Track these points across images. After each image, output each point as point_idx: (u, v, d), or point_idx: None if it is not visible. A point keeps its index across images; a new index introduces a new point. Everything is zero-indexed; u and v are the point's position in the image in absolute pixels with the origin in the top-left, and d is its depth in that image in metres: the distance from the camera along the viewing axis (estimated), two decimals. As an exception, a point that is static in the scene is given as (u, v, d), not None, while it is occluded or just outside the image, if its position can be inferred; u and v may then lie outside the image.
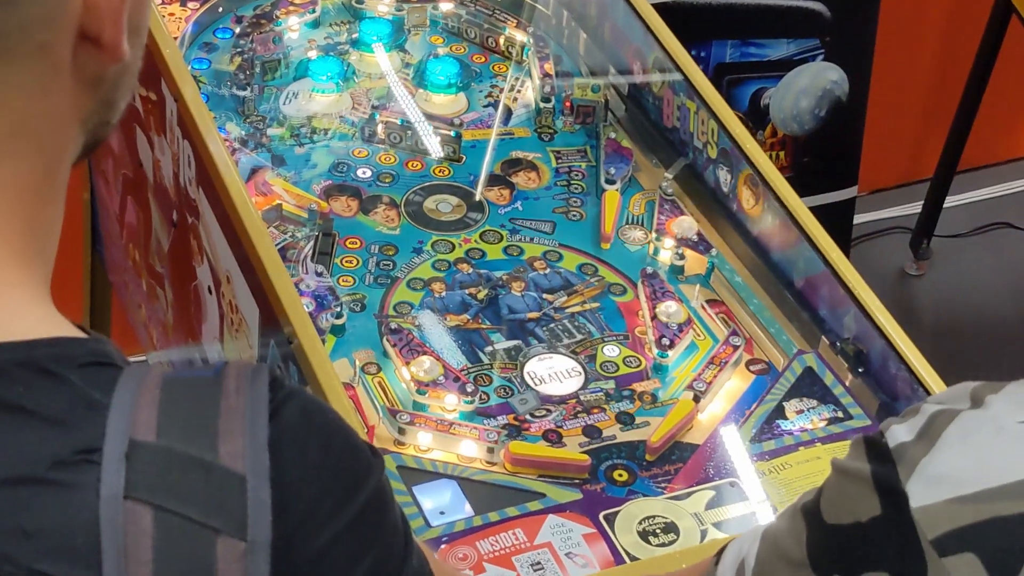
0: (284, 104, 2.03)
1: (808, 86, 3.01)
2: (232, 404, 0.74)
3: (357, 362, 1.69)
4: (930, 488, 0.94)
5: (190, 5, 2.11)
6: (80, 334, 0.77)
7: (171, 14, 2.09)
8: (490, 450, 1.60)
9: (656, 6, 2.44)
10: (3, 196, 0.76)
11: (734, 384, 1.70)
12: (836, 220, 3.06)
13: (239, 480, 0.73)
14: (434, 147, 2.00)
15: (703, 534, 1.51)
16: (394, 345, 1.70)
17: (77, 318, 2.58)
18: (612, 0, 2.06)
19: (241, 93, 2.02)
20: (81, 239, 2.51)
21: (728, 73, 2.99)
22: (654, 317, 1.76)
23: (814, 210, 1.80)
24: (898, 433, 0.96)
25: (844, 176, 3.17)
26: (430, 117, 2.04)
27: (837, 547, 0.98)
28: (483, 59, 2.16)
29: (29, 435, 0.72)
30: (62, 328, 0.77)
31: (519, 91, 2.10)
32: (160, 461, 0.73)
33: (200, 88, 2.01)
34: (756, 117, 3.03)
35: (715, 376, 1.69)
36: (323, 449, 0.76)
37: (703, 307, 1.81)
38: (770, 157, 3.09)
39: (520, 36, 2.16)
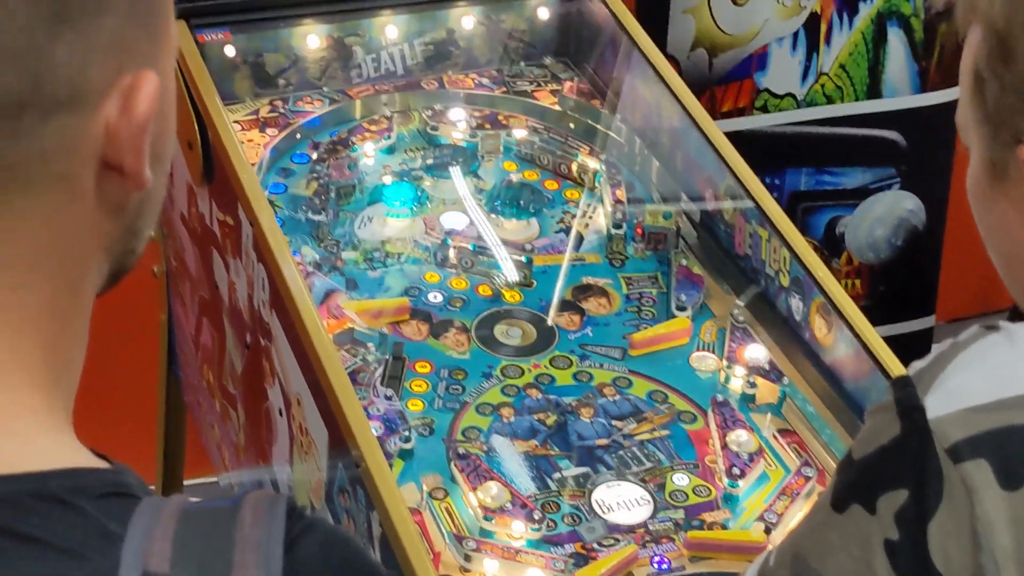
0: (359, 228, 2.06)
1: (884, 215, 3.01)
2: (247, 535, 0.74)
3: (424, 487, 1.69)
4: (946, 399, 0.98)
5: (268, 131, 2.15)
6: (99, 464, 0.77)
7: (250, 140, 2.13)
8: (557, 579, 1.58)
9: (730, 134, 2.46)
10: (24, 324, 0.77)
11: (805, 515, 1.68)
12: (914, 350, 3.03)
13: None
14: (505, 272, 2.01)
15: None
16: (462, 470, 1.70)
17: (152, 437, 2.61)
18: (685, 128, 2.08)
19: (316, 217, 2.04)
20: (157, 359, 2.53)
21: (803, 201, 2.99)
22: (724, 446, 1.74)
23: (891, 339, 1.78)
24: (918, 363, 1.01)
25: (921, 305, 3.15)
26: (502, 242, 2.05)
27: (859, 477, 1.01)
28: (555, 185, 2.17)
29: (44, 567, 0.71)
30: (80, 457, 0.77)
31: (591, 217, 2.11)
32: None
33: (276, 212, 2.04)
34: (831, 245, 3.03)
35: (787, 507, 1.67)
36: None
37: (775, 437, 1.79)
38: (846, 286, 3.09)
39: (593, 163, 2.18)
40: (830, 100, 2.91)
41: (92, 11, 0.74)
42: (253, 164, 2.06)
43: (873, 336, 1.74)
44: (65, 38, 0.73)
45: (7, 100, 0.72)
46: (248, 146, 2.11)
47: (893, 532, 0.98)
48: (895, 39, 2.89)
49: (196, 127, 1.98)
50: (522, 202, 2.13)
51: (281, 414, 1.86)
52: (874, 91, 2.93)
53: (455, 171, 2.16)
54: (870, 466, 1.00)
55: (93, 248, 0.79)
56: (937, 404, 0.97)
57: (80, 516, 0.73)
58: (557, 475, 1.72)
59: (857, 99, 2.92)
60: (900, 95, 2.93)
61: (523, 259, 2.02)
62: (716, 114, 2.82)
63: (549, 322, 1.94)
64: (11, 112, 0.73)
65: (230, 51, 2.16)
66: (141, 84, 0.76)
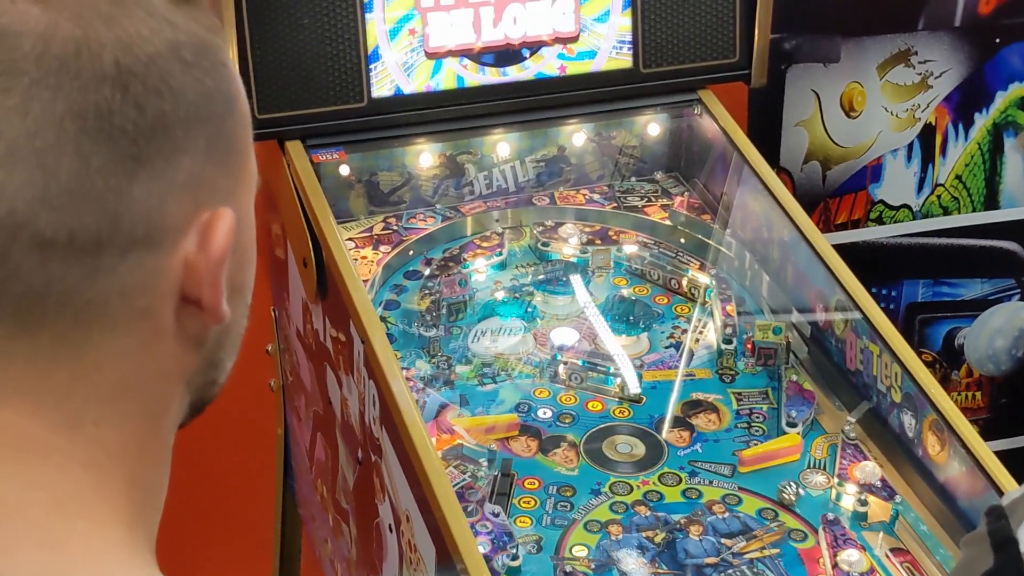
0: (472, 343, 2.08)
1: (1004, 326, 2.97)
2: None
3: (532, 605, 1.69)
4: None
5: (382, 248, 2.19)
6: None
7: (363, 257, 2.17)
8: None
9: (845, 246, 2.46)
10: (107, 458, 0.78)
11: (919, 637, 1.65)
12: (1037, 463, 2.97)
13: None
14: (617, 389, 2.01)
15: None
16: (569, 588, 1.69)
17: (268, 550, 2.64)
18: (794, 242, 2.08)
19: (428, 333, 2.07)
20: (275, 473, 2.56)
21: (920, 312, 2.96)
22: (835, 565, 1.72)
23: (1014, 453, 1.76)
24: (1013, 493, 1.00)
25: (1045, 418, 3.09)
26: (611, 357, 2.05)
27: None
28: (666, 300, 2.18)
29: None
30: None
31: (701, 332, 2.11)
32: None
33: (389, 327, 2.08)
34: (951, 357, 2.99)
35: (899, 628, 1.64)
36: None
37: (887, 556, 1.76)
38: (965, 398, 3.04)
39: (703, 278, 2.18)
40: (946, 211, 2.89)
41: (169, 152, 0.76)
42: (366, 280, 2.10)
43: (987, 453, 1.71)
44: (142, 179, 0.75)
45: (85, 238, 0.74)
46: (361, 263, 2.15)
47: None
48: (1011, 150, 2.87)
49: (310, 245, 2.02)
50: (632, 317, 2.14)
51: (391, 530, 1.87)
52: (991, 202, 2.90)
53: (567, 286, 2.17)
54: None
55: (174, 381, 0.81)
56: None
57: None
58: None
59: (974, 210, 2.90)
60: (1018, 205, 2.90)
61: (633, 375, 2.02)
62: (831, 226, 2.82)
63: (659, 438, 1.94)
64: (89, 250, 0.75)
65: (344, 170, 2.20)
66: (218, 220, 0.78)
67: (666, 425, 1.96)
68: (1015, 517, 0.98)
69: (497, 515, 1.78)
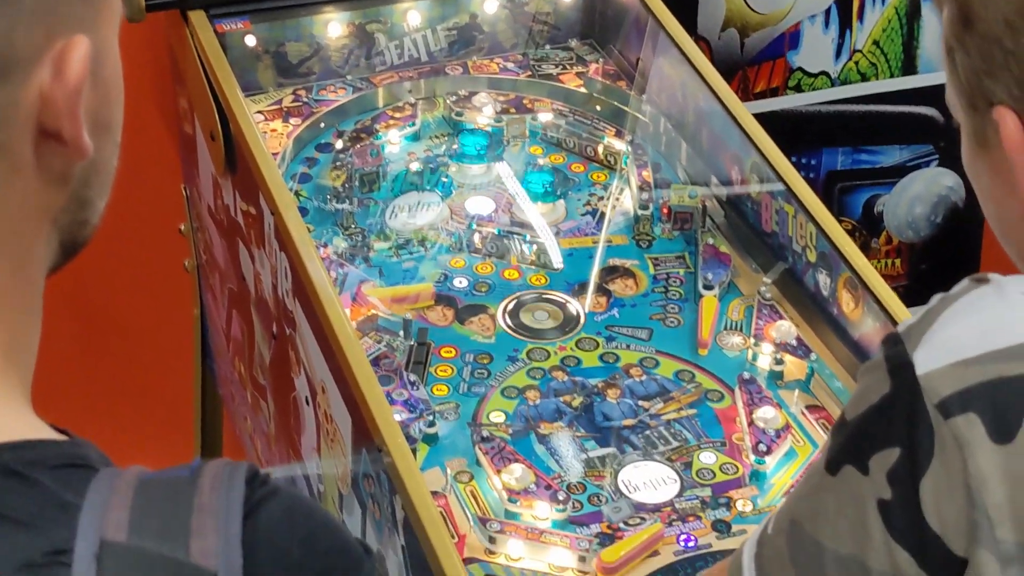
0: (389, 219, 2.05)
1: (923, 192, 2.97)
2: (206, 502, 0.73)
3: (449, 470, 1.68)
4: (935, 354, 0.96)
5: (292, 121, 2.15)
6: (57, 436, 0.76)
7: (273, 130, 2.13)
8: (582, 559, 1.57)
9: (764, 115, 2.44)
10: None
11: (834, 491, 1.66)
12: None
13: None
14: (533, 257, 2.00)
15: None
16: (486, 453, 1.69)
17: (189, 431, 2.62)
18: (710, 107, 2.06)
19: (341, 206, 2.04)
20: (192, 354, 2.54)
21: (840, 180, 2.96)
22: (751, 423, 1.72)
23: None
24: (909, 320, 0.99)
25: (963, 283, 3.11)
26: (527, 226, 2.04)
27: (851, 438, 1.00)
28: (582, 168, 2.16)
29: None
30: (37, 431, 0.76)
31: (618, 199, 2.09)
32: (130, 561, 0.72)
33: (301, 201, 2.04)
34: (870, 224, 3.00)
35: (815, 483, 1.65)
36: (306, 548, 0.75)
37: (803, 413, 1.77)
38: (885, 265, 3.06)
39: (619, 145, 2.16)
40: (864, 77, 2.88)
41: None
42: (276, 153, 2.06)
43: (899, 307, 1.71)
44: None
45: None
46: (271, 136, 2.11)
47: (886, 491, 0.96)
48: (929, 13, 2.85)
49: (217, 118, 1.98)
50: (548, 185, 2.12)
51: (308, 403, 1.85)
52: (909, 67, 2.89)
53: (482, 155, 2.15)
54: (861, 426, 0.98)
55: (38, 220, 0.78)
56: (926, 359, 0.95)
57: (36, 488, 0.72)
58: (583, 456, 1.71)
59: (892, 76, 2.89)
60: (936, 70, 2.89)
61: (551, 242, 2.01)
62: (749, 94, 2.80)
63: (576, 304, 1.93)
64: None
65: (251, 41, 2.15)
66: (72, 49, 0.75)
67: (583, 291, 1.95)
68: (911, 342, 0.97)
69: (413, 384, 1.76)
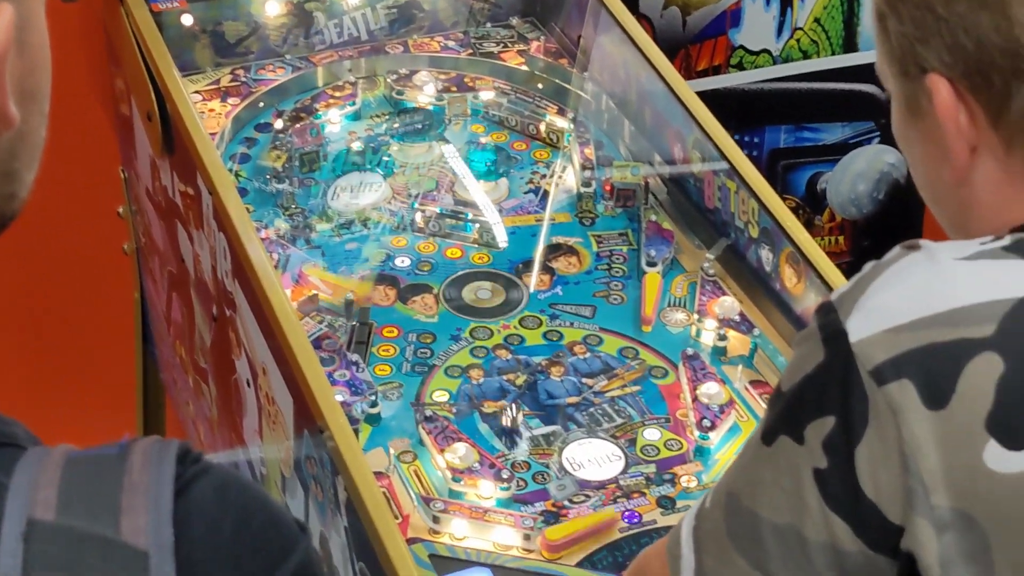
0: (332, 200, 2.03)
1: (865, 169, 2.98)
2: (135, 480, 0.72)
3: (392, 450, 1.67)
4: (868, 320, 0.95)
5: (230, 101, 2.13)
6: None
7: (211, 110, 2.10)
8: (526, 537, 1.56)
9: (706, 93, 2.43)
10: None
11: (779, 466, 1.66)
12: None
13: (141, 556, 0.70)
14: (476, 235, 1.98)
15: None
16: (429, 433, 1.68)
17: (131, 418, 2.59)
18: (651, 83, 2.05)
19: (280, 186, 2.02)
20: (133, 339, 2.51)
21: (783, 158, 2.96)
22: (695, 399, 1.72)
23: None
24: (842, 288, 0.99)
25: (906, 259, 3.12)
26: (470, 205, 2.02)
27: (786, 408, 0.99)
28: (524, 146, 2.14)
29: None
30: None
31: (560, 177, 2.08)
32: (59, 540, 0.70)
33: (241, 182, 2.02)
34: (813, 202, 3.00)
35: (759, 458, 1.64)
36: (239, 525, 0.74)
37: (746, 388, 1.76)
38: (829, 243, 3.06)
39: (562, 123, 2.15)
40: (806, 55, 2.88)
41: None
42: (214, 133, 2.04)
43: (842, 282, 1.71)
44: None
45: None
46: (209, 116, 2.09)
47: (822, 460, 0.95)
48: (869, -10, 2.86)
49: (154, 97, 1.95)
50: (490, 164, 2.10)
51: (249, 385, 1.83)
52: (850, 44, 2.89)
53: (423, 134, 2.13)
54: (796, 396, 0.98)
55: None
56: (859, 325, 0.95)
57: None
58: (527, 434, 1.70)
59: (833, 53, 2.89)
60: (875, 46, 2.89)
61: (491, 220, 2.00)
62: (692, 73, 2.79)
63: (519, 283, 1.92)
64: None
65: (187, 20, 2.13)
66: None
67: (527, 270, 1.94)
68: (843, 309, 0.96)
69: (355, 364, 1.75)
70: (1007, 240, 0.98)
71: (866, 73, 2.90)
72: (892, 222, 3.03)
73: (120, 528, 0.71)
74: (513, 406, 1.71)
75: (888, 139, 2.97)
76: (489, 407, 1.73)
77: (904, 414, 0.92)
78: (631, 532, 1.58)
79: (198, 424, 2.22)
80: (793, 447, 0.97)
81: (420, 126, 2.14)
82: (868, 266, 0.99)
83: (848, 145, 2.96)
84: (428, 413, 1.71)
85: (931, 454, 0.92)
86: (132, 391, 2.57)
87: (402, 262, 1.95)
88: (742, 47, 2.83)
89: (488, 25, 2.32)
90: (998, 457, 0.92)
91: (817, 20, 2.85)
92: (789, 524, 0.97)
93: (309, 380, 1.59)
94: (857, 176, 2.98)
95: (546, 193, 2.05)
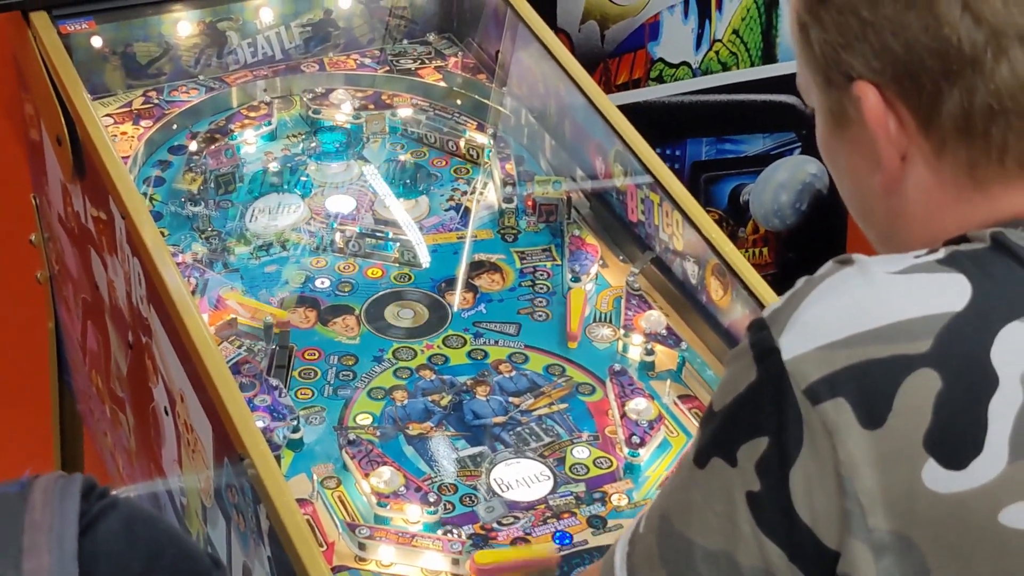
0: (250, 223, 1.98)
1: (787, 180, 2.97)
2: (37, 519, 0.69)
3: (316, 476, 1.63)
4: (801, 337, 0.92)
5: (143, 123, 2.08)
6: None
7: (123, 133, 2.06)
8: (455, 561, 1.53)
9: (627, 106, 2.42)
10: None
11: (710, 481, 1.63)
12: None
13: None
14: (396, 254, 1.95)
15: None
16: (353, 457, 1.64)
17: (48, 450, 2.53)
18: (571, 97, 2.03)
19: (196, 210, 1.97)
20: (48, 369, 2.45)
21: (705, 171, 2.96)
22: (624, 416, 1.69)
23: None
24: (774, 305, 0.96)
25: (830, 270, 3.12)
26: (390, 223, 1.99)
27: (718, 429, 0.96)
28: (444, 163, 2.11)
29: None
30: None
31: (481, 193, 2.05)
32: None
33: (155, 205, 1.98)
34: (736, 214, 2.99)
35: (689, 473, 1.62)
36: (149, 562, 0.71)
37: (675, 403, 1.74)
38: (753, 255, 3.06)
39: (481, 138, 2.12)
40: (725, 67, 2.87)
41: None
42: (126, 157, 1.99)
43: (769, 294, 1.70)
44: None
45: None
46: (121, 139, 2.04)
47: (755, 483, 0.93)
48: (786, 2, 2.86)
49: (63, 121, 1.90)
50: (410, 181, 2.07)
51: (167, 413, 1.79)
52: (769, 56, 2.89)
53: (341, 153, 2.10)
54: (729, 416, 0.95)
55: None
56: (792, 343, 0.92)
57: None
58: (453, 456, 1.66)
59: (752, 65, 2.89)
60: (796, 58, 2.89)
61: (415, 239, 1.96)
62: (611, 86, 2.78)
63: (442, 301, 1.88)
64: None
65: (97, 42, 2.08)
66: None
67: (450, 288, 1.90)
68: (776, 326, 0.94)
69: (276, 388, 1.71)
70: (941, 253, 0.96)
71: (786, 84, 2.90)
72: (816, 233, 3.03)
73: (22, 569, 0.68)
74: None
75: (809, 149, 2.97)
76: (414, 429, 1.70)
77: (840, 434, 0.90)
78: (563, 553, 1.54)
79: (116, 455, 2.16)
80: (726, 469, 0.94)
81: (337, 145, 2.10)
82: (800, 282, 0.96)
83: (770, 156, 2.96)
84: (352, 437, 1.68)
85: (868, 475, 0.90)
86: (48, 422, 2.51)
87: (322, 283, 1.91)
88: (661, 60, 2.82)
89: (405, 42, 2.29)
90: (937, 477, 0.90)
91: (735, 32, 2.85)
92: (722, 550, 0.95)
93: (228, 406, 1.54)
94: (779, 187, 2.97)
95: (467, 210, 2.03)
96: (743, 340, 0.95)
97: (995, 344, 0.91)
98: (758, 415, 0.93)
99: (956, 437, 0.90)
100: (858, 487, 0.90)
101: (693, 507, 0.96)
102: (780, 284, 1.72)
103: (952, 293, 0.93)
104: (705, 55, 2.84)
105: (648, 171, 1.88)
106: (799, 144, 2.97)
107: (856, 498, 0.90)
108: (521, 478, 1.64)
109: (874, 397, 0.90)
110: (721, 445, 0.95)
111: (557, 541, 1.56)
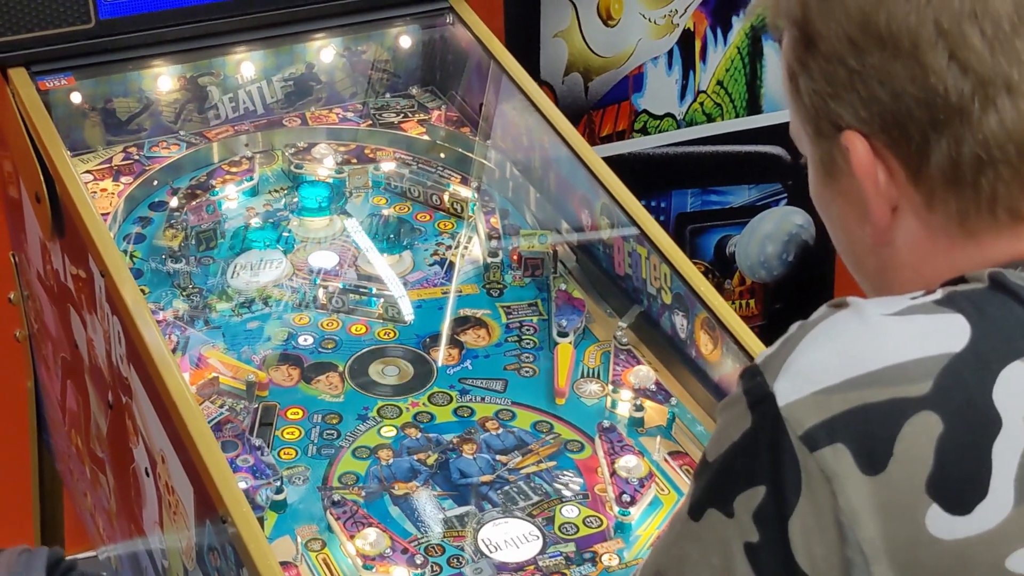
0: (231, 279, 1.96)
1: (773, 231, 2.96)
2: None
3: (300, 538, 1.59)
4: (796, 382, 0.90)
5: (123, 180, 2.05)
6: None
7: (103, 190, 2.03)
8: (443, 625, 1.49)
9: (611, 158, 2.40)
10: None
11: (702, 539, 1.60)
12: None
13: None
14: (380, 310, 1.92)
15: None
16: (338, 519, 1.60)
17: (27, 511, 2.49)
18: (556, 149, 2.01)
19: (177, 266, 1.94)
20: (27, 429, 2.41)
21: (691, 222, 2.94)
22: (613, 473, 1.66)
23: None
24: (766, 351, 0.93)
25: (818, 321, 3.09)
26: (374, 279, 1.96)
27: (713, 480, 0.93)
28: (428, 217, 2.09)
29: None
30: None
31: (466, 247, 2.03)
32: None
33: (136, 263, 1.95)
34: (723, 266, 2.97)
35: (681, 532, 1.59)
36: None
37: (666, 460, 1.71)
38: (740, 307, 3.03)
39: (465, 192, 2.10)
40: (710, 118, 2.86)
41: None
42: (106, 214, 1.96)
43: (759, 347, 1.67)
44: None
45: None
46: (101, 196, 2.02)
47: (753, 534, 0.90)
48: (771, 52, 2.85)
49: (42, 178, 1.88)
50: (393, 236, 2.05)
51: (148, 474, 1.75)
52: (754, 107, 2.88)
53: (323, 208, 2.07)
54: (724, 466, 0.92)
55: None
56: (787, 388, 0.90)
57: None
58: (440, 516, 1.63)
59: (737, 115, 2.88)
60: (781, 108, 2.88)
61: (399, 295, 1.94)
62: (596, 139, 2.77)
63: (427, 358, 1.86)
64: None
65: (76, 98, 2.06)
66: None
67: (435, 344, 1.88)
68: (770, 372, 0.91)
69: (259, 448, 1.67)
70: (939, 294, 0.94)
71: (771, 134, 2.89)
72: (803, 284, 3.01)
73: None
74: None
75: (795, 200, 2.95)
76: (400, 489, 1.67)
77: (839, 480, 0.87)
78: (552, 615, 1.51)
79: (97, 516, 2.12)
80: (722, 521, 0.91)
81: (320, 200, 2.08)
82: (794, 327, 0.94)
83: (755, 207, 2.95)
84: (336, 497, 1.64)
85: (870, 522, 0.87)
86: (27, 483, 2.47)
87: (305, 340, 1.88)
88: (646, 111, 2.81)
89: (387, 95, 2.27)
90: (941, 523, 0.87)
91: (720, 83, 2.84)
92: None
93: (209, 466, 1.51)
94: (766, 238, 2.96)
95: (452, 264, 2.00)
96: (736, 388, 0.93)
97: (997, 384, 0.89)
98: (754, 463, 0.90)
99: (960, 481, 0.88)
100: (860, 535, 0.87)
101: (689, 562, 0.93)
102: (768, 336, 1.69)
103: (951, 334, 0.91)
104: (690, 106, 2.83)
105: (635, 223, 1.85)
106: (785, 195, 2.96)
107: (858, 546, 0.87)
108: (510, 538, 1.61)
109: (874, 442, 0.88)
110: (716, 496, 0.92)
111: (547, 603, 1.53)
